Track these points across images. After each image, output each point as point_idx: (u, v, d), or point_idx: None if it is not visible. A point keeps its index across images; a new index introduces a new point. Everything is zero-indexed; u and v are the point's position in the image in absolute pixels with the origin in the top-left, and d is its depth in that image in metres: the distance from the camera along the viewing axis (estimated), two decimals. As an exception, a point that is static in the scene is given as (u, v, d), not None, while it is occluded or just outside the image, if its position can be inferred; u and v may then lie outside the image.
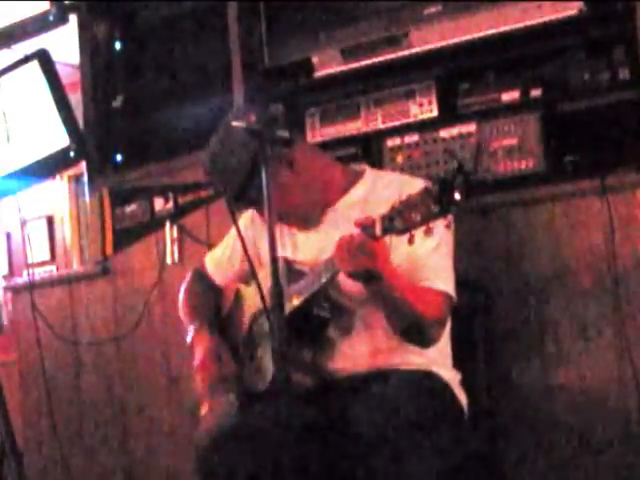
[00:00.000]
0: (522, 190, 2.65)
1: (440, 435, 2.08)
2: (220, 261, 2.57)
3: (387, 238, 2.02)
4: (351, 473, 2.06)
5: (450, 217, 1.87)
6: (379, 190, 2.30)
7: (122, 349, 3.58)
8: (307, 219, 2.36)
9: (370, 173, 2.40)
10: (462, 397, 2.30)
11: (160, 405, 3.49)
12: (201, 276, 2.61)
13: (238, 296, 2.48)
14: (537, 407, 2.65)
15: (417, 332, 2.17)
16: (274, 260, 1.89)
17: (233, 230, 2.46)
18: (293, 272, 2.27)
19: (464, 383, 2.33)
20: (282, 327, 1.87)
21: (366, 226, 1.97)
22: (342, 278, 2.14)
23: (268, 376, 2.25)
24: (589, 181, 2.55)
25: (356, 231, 1.99)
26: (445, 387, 2.26)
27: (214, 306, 2.53)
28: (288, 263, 2.29)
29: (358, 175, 2.39)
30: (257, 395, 2.28)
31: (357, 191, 2.35)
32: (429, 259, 2.19)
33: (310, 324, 2.25)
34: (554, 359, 2.63)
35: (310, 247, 2.33)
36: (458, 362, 2.36)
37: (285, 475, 1.84)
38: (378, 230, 1.94)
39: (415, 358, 2.26)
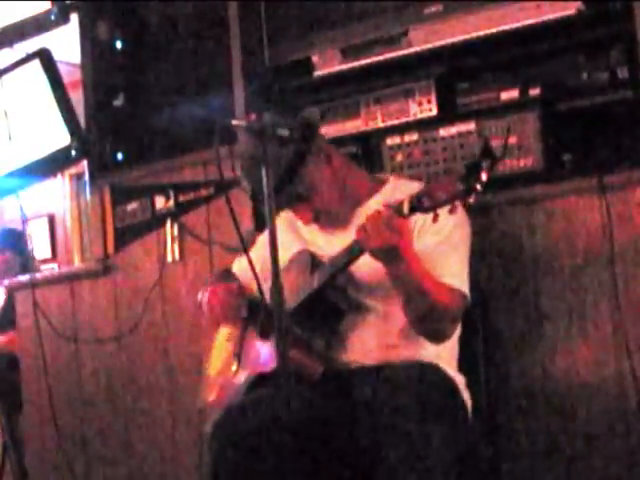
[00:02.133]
0: (521, 188, 2.65)
1: (446, 426, 2.08)
2: (244, 265, 2.58)
3: (413, 224, 2.10)
4: (356, 460, 2.09)
5: (471, 201, 1.93)
6: (403, 194, 2.33)
7: (123, 346, 3.58)
8: (338, 217, 2.39)
9: (394, 180, 2.45)
10: (467, 398, 2.31)
11: (160, 403, 3.49)
12: (226, 272, 2.68)
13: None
14: (536, 406, 2.65)
15: (432, 322, 2.19)
16: (274, 261, 1.91)
17: (261, 238, 2.57)
18: (316, 263, 2.32)
19: (468, 386, 2.35)
20: (282, 326, 1.89)
21: (394, 205, 2.03)
22: (360, 271, 2.20)
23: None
24: (587, 179, 2.55)
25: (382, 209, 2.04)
26: (452, 383, 2.27)
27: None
28: (312, 255, 2.34)
29: (383, 181, 2.45)
30: (266, 377, 2.31)
31: (383, 195, 2.38)
32: (447, 255, 2.23)
33: (326, 312, 2.29)
34: (553, 357, 2.63)
35: (337, 246, 2.33)
36: (457, 362, 2.37)
37: (289, 461, 1.88)
38: (406, 208, 2.00)
39: (425, 355, 2.28)
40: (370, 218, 2.05)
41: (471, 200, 1.93)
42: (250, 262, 1.98)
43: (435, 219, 1.97)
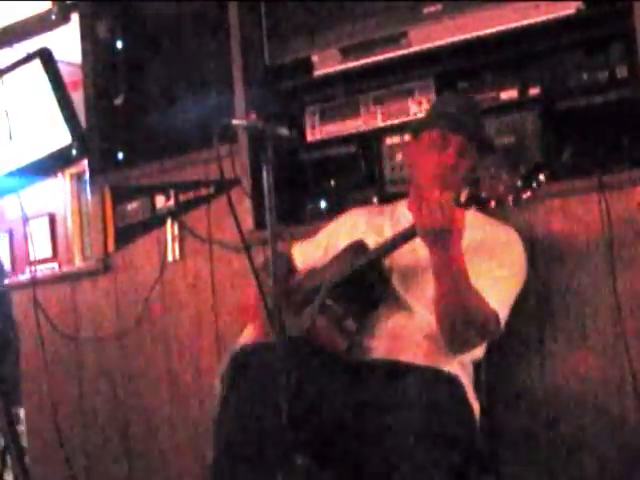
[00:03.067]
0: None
1: (454, 435, 2.10)
2: (307, 256, 2.66)
3: (466, 244, 2.13)
4: (362, 458, 2.10)
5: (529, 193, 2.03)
6: (477, 221, 2.36)
7: (123, 345, 3.59)
8: None
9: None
10: (475, 405, 2.32)
11: (161, 401, 3.50)
12: (283, 258, 2.68)
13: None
14: (536, 407, 2.65)
15: (459, 325, 2.19)
16: (274, 261, 1.92)
17: (328, 228, 2.66)
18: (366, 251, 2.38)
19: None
20: (282, 327, 1.90)
21: (454, 194, 2.07)
22: (403, 265, 2.28)
23: (302, 325, 2.33)
24: (587, 178, 2.56)
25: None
26: (463, 392, 2.28)
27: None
28: (366, 244, 2.39)
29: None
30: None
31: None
32: (498, 282, 2.25)
33: (364, 295, 2.33)
34: (553, 358, 2.64)
35: None
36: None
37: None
38: (463, 197, 2.07)
39: (441, 358, 2.29)
40: (426, 198, 2.07)
41: (525, 195, 2.03)
42: (252, 263, 1.98)
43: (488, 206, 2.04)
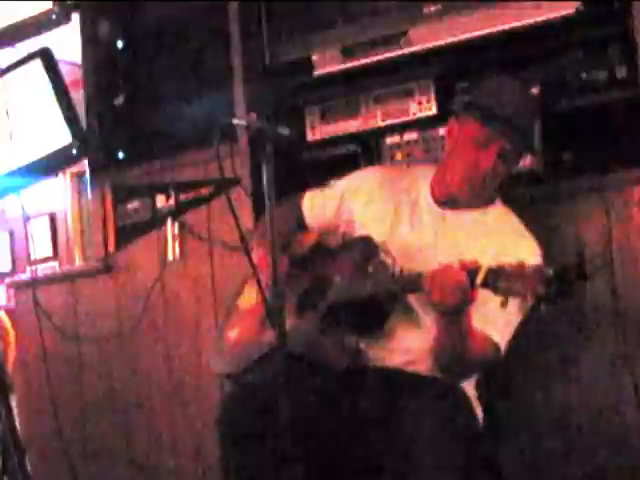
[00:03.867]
0: (520, 188, 2.66)
1: (460, 446, 2.10)
2: (317, 211, 2.58)
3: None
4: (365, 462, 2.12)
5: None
6: (502, 228, 2.34)
7: (124, 345, 3.59)
8: (470, 203, 2.39)
9: (500, 204, 2.44)
10: (479, 412, 2.33)
11: (161, 400, 3.50)
12: (293, 208, 2.61)
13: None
14: (537, 413, 2.66)
15: (457, 371, 2.22)
16: (274, 261, 1.92)
17: (340, 183, 2.55)
18: (373, 257, 2.28)
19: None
20: (283, 329, 1.90)
21: (471, 270, 1.98)
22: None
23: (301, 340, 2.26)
24: (587, 179, 2.57)
25: (456, 265, 2.00)
26: (469, 404, 2.29)
27: (286, 232, 2.50)
28: (374, 246, 2.30)
29: (493, 199, 2.43)
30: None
31: (488, 214, 2.39)
32: (503, 312, 2.12)
33: (370, 315, 2.28)
34: (552, 358, 2.65)
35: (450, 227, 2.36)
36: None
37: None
38: (479, 280, 1.95)
39: None
40: (443, 272, 2.01)
41: (542, 308, 1.86)
42: (252, 263, 1.98)
43: (503, 305, 1.91)
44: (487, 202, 2.41)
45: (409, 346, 2.30)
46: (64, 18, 3.65)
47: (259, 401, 2.15)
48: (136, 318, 3.52)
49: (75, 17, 3.68)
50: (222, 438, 2.25)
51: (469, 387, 2.33)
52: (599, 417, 2.56)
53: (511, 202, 2.67)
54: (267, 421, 2.06)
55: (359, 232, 2.43)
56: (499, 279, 1.91)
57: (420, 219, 2.40)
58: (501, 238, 2.28)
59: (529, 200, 2.66)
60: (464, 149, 2.33)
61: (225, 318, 2.58)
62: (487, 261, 2.11)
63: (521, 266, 1.88)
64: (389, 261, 2.26)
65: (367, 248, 2.32)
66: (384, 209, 2.42)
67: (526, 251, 2.23)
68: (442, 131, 2.80)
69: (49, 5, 3.70)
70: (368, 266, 2.26)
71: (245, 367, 2.37)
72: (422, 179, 2.47)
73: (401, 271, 2.23)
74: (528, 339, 2.65)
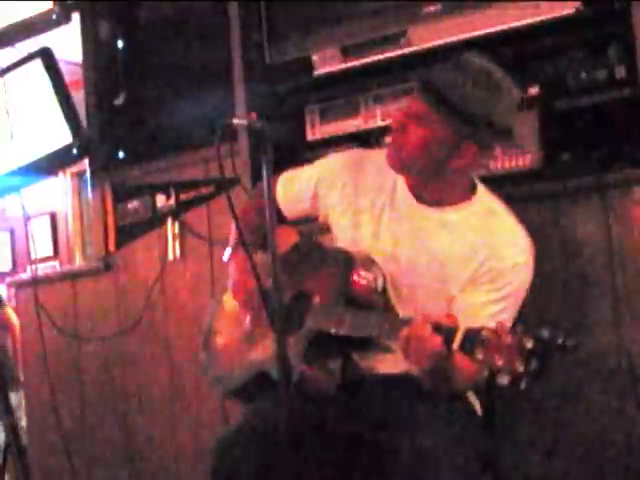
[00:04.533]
0: (519, 187, 2.66)
1: (460, 441, 2.09)
2: (289, 192, 2.44)
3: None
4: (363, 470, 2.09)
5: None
6: (488, 225, 2.20)
7: (124, 344, 3.59)
8: (446, 200, 2.23)
9: (481, 192, 2.26)
10: (476, 404, 2.32)
11: (162, 399, 3.51)
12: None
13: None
14: (537, 412, 2.66)
15: (445, 394, 2.14)
16: (274, 261, 1.92)
17: (317, 166, 2.43)
18: (355, 281, 2.15)
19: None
20: (283, 329, 1.90)
21: (445, 330, 1.87)
22: (398, 280, 2.13)
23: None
24: (586, 178, 2.56)
25: (432, 322, 1.89)
26: (466, 400, 2.28)
27: (263, 230, 2.27)
28: (350, 259, 2.18)
29: (474, 188, 2.26)
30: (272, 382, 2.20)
31: (468, 211, 2.22)
32: (494, 318, 2.05)
33: (352, 343, 2.16)
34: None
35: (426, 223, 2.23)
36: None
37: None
38: (456, 345, 1.84)
39: None
40: (416, 335, 1.89)
41: (522, 385, 1.74)
42: (252, 264, 1.98)
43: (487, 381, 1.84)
44: (467, 194, 2.23)
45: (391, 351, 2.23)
46: (64, 18, 3.66)
47: (257, 446, 2.12)
48: (136, 317, 3.53)
49: (75, 17, 3.69)
50: None
51: None
52: (596, 401, 2.57)
53: (510, 202, 2.69)
54: (267, 464, 2.05)
55: (337, 236, 2.33)
56: (477, 346, 1.79)
57: (399, 222, 2.26)
58: (490, 238, 2.17)
59: (529, 199, 2.67)
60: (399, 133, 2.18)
61: (212, 316, 2.50)
62: (472, 265, 2.09)
63: (499, 332, 1.77)
64: (370, 277, 2.16)
65: (345, 264, 2.19)
66: (360, 216, 2.29)
67: (513, 256, 2.14)
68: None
69: (49, 5, 3.71)
70: (347, 288, 2.14)
71: (231, 389, 2.34)
72: (400, 179, 2.31)
73: (384, 286, 2.14)
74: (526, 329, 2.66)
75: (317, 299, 2.20)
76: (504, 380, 1.75)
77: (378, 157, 2.28)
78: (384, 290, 2.17)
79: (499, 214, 2.24)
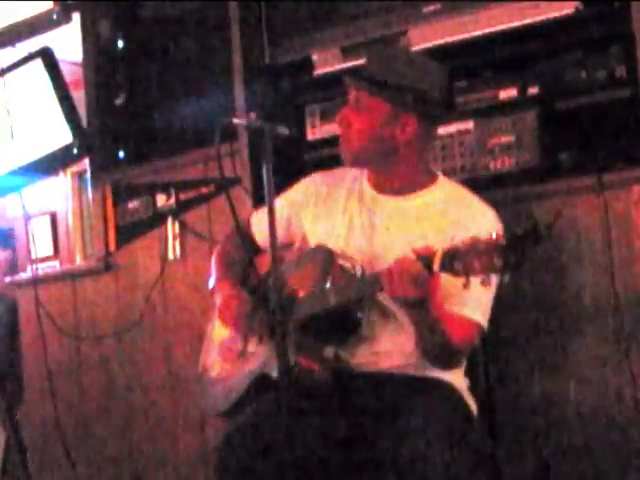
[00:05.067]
0: (519, 187, 2.67)
1: (455, 443, 2.09)
2: (263, 223, 2.39)
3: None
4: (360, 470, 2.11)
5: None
6: (453, 204, 2.28)
7: (124, 344, 3.60)
8: (391, 185, 2.34)
9: (443, 180, 2.37)
10: (471, 403, 2.33)
11: (162, 400, 3.51)
12: (241, 233, 2.48)
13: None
14: (536, 410, 2.66)
15: (445, 359, 2.20)
16: (274, 260, 1.93)
17: (284, 195, 2.48)
18: (329, 267, 2.22)
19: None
20: (283, 328, 1.91)
21: (425, 257, 1.94)
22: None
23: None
24: (585, 178, 2.57)
25: (412, 256, 1.96)
26: (460, 397, 2.29)
27: (243, 265, 2.52)
28: (329, 254, 2.25)
29: (434, 177, 2.36)
30: (269, 381, 2.26)
31: (432, 195, 2.31)
32: (474, 290, 2.07)
33: (341, 323, 2.22)
34: (551, 355, 2.65)
35: (387, 213, 2.32)
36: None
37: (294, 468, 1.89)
38: (436, 266, 1.91)
39: (436, 371, 2.28)
40: (397, 268, 1.97)
41: (506, 279, 1.83)
42: (252, 261, 1.99)
43: (466, 286, 1.87)
44: (427, 182, 2.33)
45: (391, 347, 2.28)
46: (64, 18, 3.65)
47: (258, 440, 2.15)
48: (136, 317, 3.53)
49: (76, 17, 3.69)
50: None
51: (458, 378, 2.32)
52: (596, 410, 2.58)
53: (510, 201, 2.70)
54: (270, 459, 2.07)
55: (315, 243, 2.37)
56: (455, 261, 1.87)
57: (369, 217, 2.34)
58: (455, 216, 2.23)
59: (528, 199, 2.67)
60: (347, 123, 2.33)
61: (203, 354, 2.59)
62: (445, 243, 2.08)
63: (474, 242, 1.85)
64: (348, 265, 2.22)
65: (324, 257, 2.26)
66: (334, 219, 2.37)
67: (484, 224, 2.19)
68: (442, 130, 2.81)
69: (49, 5, 3.70)
70: (328, 276, 2.20)
71: (235, 402, 2.35)
72: (359, 173, 2.41)
73: (362, 272, 2.19)
74: (528, 336, 2.67)
75: (301, 294, 2.24)
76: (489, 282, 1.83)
77: (338, 170, 2.45)
78: (362, 276, 2.21)
79: (462, 195, 2.31)
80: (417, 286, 1.96)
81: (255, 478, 2.13)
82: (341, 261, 2.24)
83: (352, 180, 2.41)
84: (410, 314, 2.12)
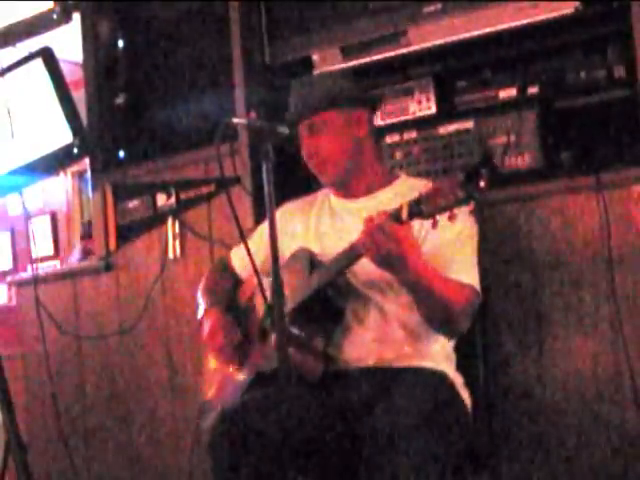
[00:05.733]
0: (518, 186, 2.67)
1: (447, 433, 2.10)
2: (244, 256, 2.53)
3: (417, 229, 2.11)
4: (352, 463, 2.10)
5: (473, 204, 1.95)
6: (409, 195, 2.29)
7: (125, 343, 3.59)
8: (350, 191, 2.44)
9: (404, 177, 2.49)
10: (466, 397, 2.34)
11: (162, 399, 3.51)
12: (224, 266, 2.70)
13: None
14: (534, 402, 2.66)
15: (446, 321, 2.21)
16: (275, 259, 1.93)
17: (260, 227, 2.58)
18: (315, 264, 2.33)
19: (466, 385, 2.36)
20: (283, 328, 1.91)
21: (394, 212, 2.03)
22: (362, 263, 2.17)
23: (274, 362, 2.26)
24: (585, 177, 2.57)
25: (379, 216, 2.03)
26: (451, 386, 2.30)
27: (228, 293, 2.63)
28: (312, 255, 2.35)
29: (395, 176, 2.49)
30: (265, 376, 2.31)
31: (394, 189, 2.41)
32: (455, 252, 2.24)
33: (326, 311, 2.29)
34: (551, 353, 2.65)
35: (351, 216, 2.40)
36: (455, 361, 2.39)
37: (286, 458, 1.92)
38: (404, 214, 2.01)
39: (425, 352, 2.31)
40: (368, 226, 2.04)
41: (470, 208, 1.95)
42: (253, 263, 1.99)
43: (434, 225, 1.97)
44: (389, 180, 2.45)
45: (381, 337, 2.31)
46: (65, 18, 3.66)
47: (251, 419, 2.17)
48: (137, 316, 3.53)
49: (76, 16, 3.69)
50: (217, 463, 2.23)
51: (452, 372, 2.33)
52: (595, 408, 2.58)
53: (510, 201, 2.70)
54: (263, 437, 2.09)
55: None
56: (421, 205, 1.98)
57: (339, 222, 2.44)
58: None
59: (527, 198, 2.68)
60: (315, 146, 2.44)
61: (201, 384, 2.67)
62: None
63: (435, 186, 1.97)
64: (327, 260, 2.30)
65: (305, 255, 2.36)
66: (309, 235, 2.46)
67: None
68: (442, 130, 2.82)
69: (49, 5, 3.71)
70: (311, 269, 2.30)
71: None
72: (327, 191, 2.52)
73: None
74: (527, 332, 2.67)
75: (287, 291, 2.25)
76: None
77: (305, 198, 2.58)
78: (339, 253, 2.26)
79: (418, 185, 2.33)
80: (392, 240, 2.01)
81: (248, 456, 2.14)
82: (320, 258, 2.34)
83: (321, 201, 2.53)
84: (399, 281, 2.15)
